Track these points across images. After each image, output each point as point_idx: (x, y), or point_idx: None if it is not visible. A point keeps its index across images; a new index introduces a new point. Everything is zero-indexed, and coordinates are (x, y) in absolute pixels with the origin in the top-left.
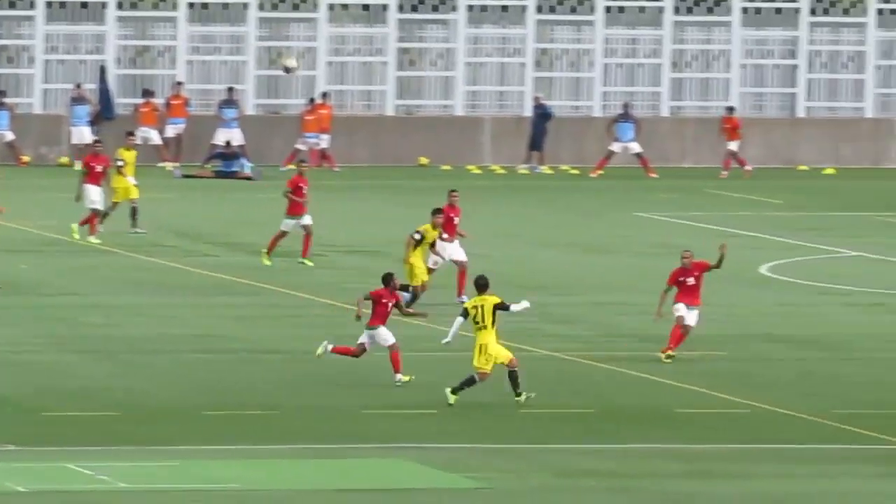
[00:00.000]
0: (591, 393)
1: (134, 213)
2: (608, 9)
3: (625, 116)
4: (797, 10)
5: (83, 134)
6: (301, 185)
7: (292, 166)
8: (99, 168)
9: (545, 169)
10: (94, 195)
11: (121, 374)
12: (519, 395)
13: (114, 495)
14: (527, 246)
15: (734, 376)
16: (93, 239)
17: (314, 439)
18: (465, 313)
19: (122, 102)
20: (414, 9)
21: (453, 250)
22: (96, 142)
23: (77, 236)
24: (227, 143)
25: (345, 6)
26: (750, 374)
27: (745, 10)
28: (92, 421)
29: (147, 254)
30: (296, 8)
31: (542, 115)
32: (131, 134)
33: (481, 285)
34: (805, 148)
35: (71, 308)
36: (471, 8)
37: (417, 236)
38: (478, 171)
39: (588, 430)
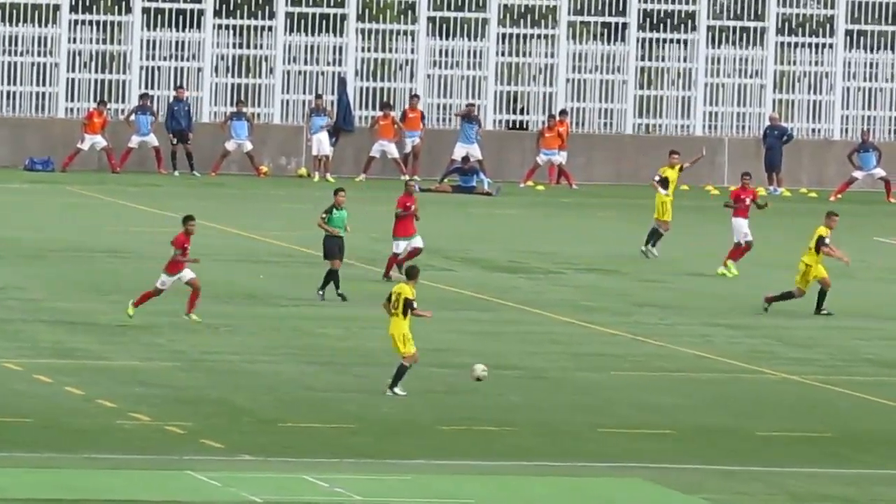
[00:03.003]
0: (829, 417)
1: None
2: (848, 32)
3: (865, 145)
4: None
5: (322, 145)
6: (409, 204)
7: (531, 183)
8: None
9: (784, 191)
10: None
11: (355, 386)
12: None
13: None
14: (761, 267)
15: None
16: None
17: (549, 456)
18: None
19: (360, 115)
20: (654, 28)
21: None
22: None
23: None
24: (465, 158)
25: (585, 23)
26: None
27: None
28: (327, 433)
29: (382, 267)
30: (536, 24)
31: (780, 136)
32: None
33: None
34: None
35: (308, 319)
36: (711, 28)
37: (656, 178)
38: (716, 192)
39: (826, 455)
